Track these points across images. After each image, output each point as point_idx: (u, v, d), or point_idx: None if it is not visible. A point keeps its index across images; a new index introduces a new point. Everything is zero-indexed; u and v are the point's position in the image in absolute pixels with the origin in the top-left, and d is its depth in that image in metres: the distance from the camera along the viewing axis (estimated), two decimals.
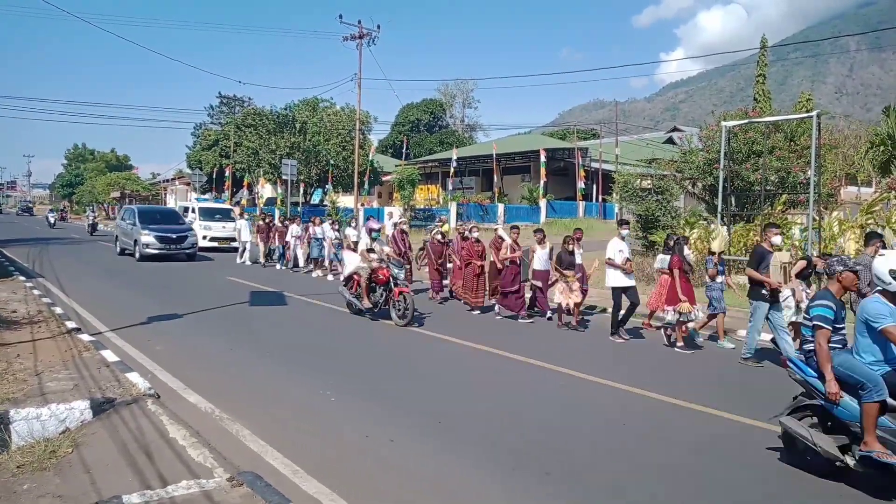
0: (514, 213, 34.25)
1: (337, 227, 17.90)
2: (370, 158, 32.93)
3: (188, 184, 55.04)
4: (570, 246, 10.45)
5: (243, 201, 41.45)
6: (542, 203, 35.49)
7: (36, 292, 12.24)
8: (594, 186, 39.92)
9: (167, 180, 68.12)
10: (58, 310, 10.43)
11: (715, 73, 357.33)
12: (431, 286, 13.35)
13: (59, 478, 4.21)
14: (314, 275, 17.34)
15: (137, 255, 19.55)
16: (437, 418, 5.81)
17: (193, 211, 25.34)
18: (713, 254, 9.85)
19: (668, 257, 9.59)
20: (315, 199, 40.70)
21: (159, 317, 10.24)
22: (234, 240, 22.03)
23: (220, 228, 24.14)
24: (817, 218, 13.05)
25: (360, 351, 8.67)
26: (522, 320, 10.87)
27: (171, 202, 60.73)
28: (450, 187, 36.79)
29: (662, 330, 9.39)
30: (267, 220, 21.61)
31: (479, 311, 11.59)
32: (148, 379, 6.53)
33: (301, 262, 18.64)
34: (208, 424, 5.44)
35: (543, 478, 4.55)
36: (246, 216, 21.84)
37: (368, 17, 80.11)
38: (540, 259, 11.00)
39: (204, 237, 23.55)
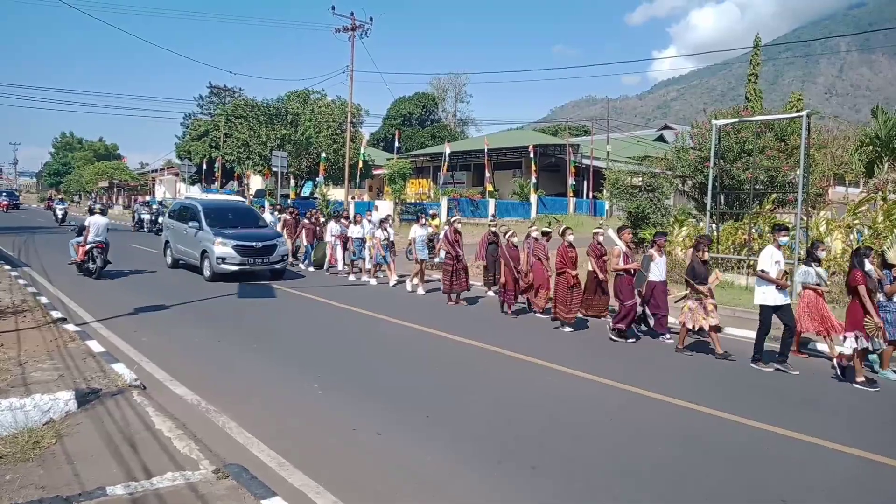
0: (504, 209, 34.29)
1: (387, 223, 14.94)
2: (362, 152, 32.77)
3: (177, 174, 54.63)
4: (705, 254, 8.70)
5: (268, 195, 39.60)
6: (533, 199, 35.57)
7: (21, 282, 12.12)
8: (585, 183, 40.04)
9: (156, 170, 67.61)
10: (43, 299, 10.35)
11: (706, 71, 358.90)
12: (505, 298, 11.23)
13: (42, 469, 4.18)
14: (371, 282, 14.69)
15: (208, 272, 13.95)
16: (424, 412, 5.81)
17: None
18: (891, 266, 8.03)
19: (810, 269, 8.26)
20: (305, 192, 40.51)
21: (146, 308, 10.18)
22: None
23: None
24: (805, 217, 13.15)
25: (349, 345, 8.65)
26: (631, 339, 9.26)
27: (160, 193, 60.29)
28: (441, 182, 36.75)
29: (835, 360, 7.70)
30: (294, 215, 19.51)
31: (571, 329, 9.77)
32: (134, 370, 6.49)
33: (340, 266, 16.47)
34: (194, 416, 5.42)
35: (529, 471, 4.57)
36: (276, 211, 18.90)
37: (361, 9, 79.66)
38: (659, 269, 9.41)
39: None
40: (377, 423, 5.42)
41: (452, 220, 13.20)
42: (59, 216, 35.40)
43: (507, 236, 11.52)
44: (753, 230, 14.34)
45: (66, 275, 13.84)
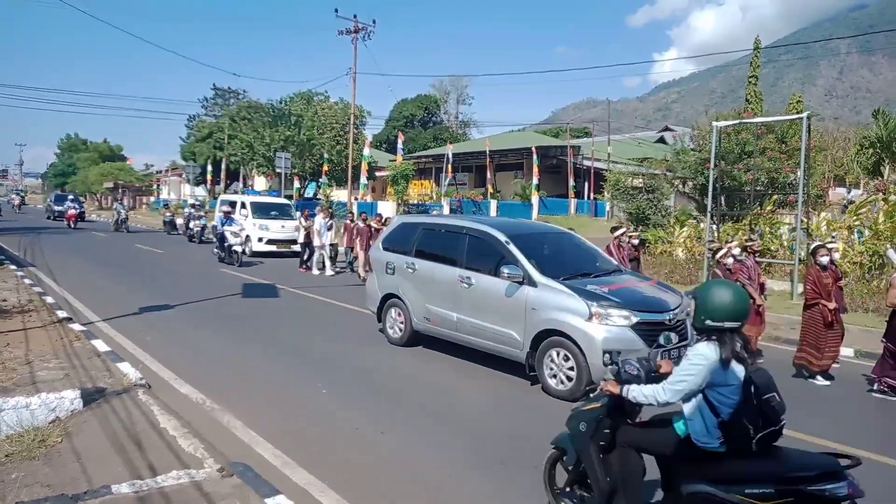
0: (506, 210, 34.31)
1: None
2: (365, 153, 32.81)
3: (181, 175, 54.73)
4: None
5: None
6: (535, 200, 35.59)
7: (27, 281, 12.17)
8: (586, 184, 40.05)
9: (160, 172, 67.70)
10: (49, 299, 10.39)
11: (706, 74, 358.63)
12: None
13: (48, 467, 4.21)
14: None
15: (568, 381, 6.78)
16: (428, 412, 5.85)
17: (244, 206, 20.58)
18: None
19: None
20: (309, 193, 40.60)
21: (151, 307, 10.23)
22: (294, 242, 18.62)
23: (278, 228, 19.79)
24: (805, 219, 13.18)
25: (353, 345, 8.68)
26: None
27: (165, 194, 60.40)
28: (445, 183, 36.80)
29: None
30: (365, 220, 16.04)
31: (823, 380, 7.47)
32: (139, 369, 6.53)
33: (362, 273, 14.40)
34: (199, 415, 5.46)
35: (531, 471, 4.61)
36: (325, 213, 16.71)
37: (364, 12, 79.76)
38: None
39: (259, 239, 19.46)
40: (381, 423, 5.46)
41: (620, 233, 10.05)
42: (122, 217, 29.13)
43: (718, 256, 8.47)
44: (754, 231, 14.37)
45: (72, 274, 13.90)
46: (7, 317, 8.69)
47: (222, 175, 44.27)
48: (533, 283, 6.72)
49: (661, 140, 47.33)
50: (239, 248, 16.80)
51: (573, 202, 37.68)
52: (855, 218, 14.84)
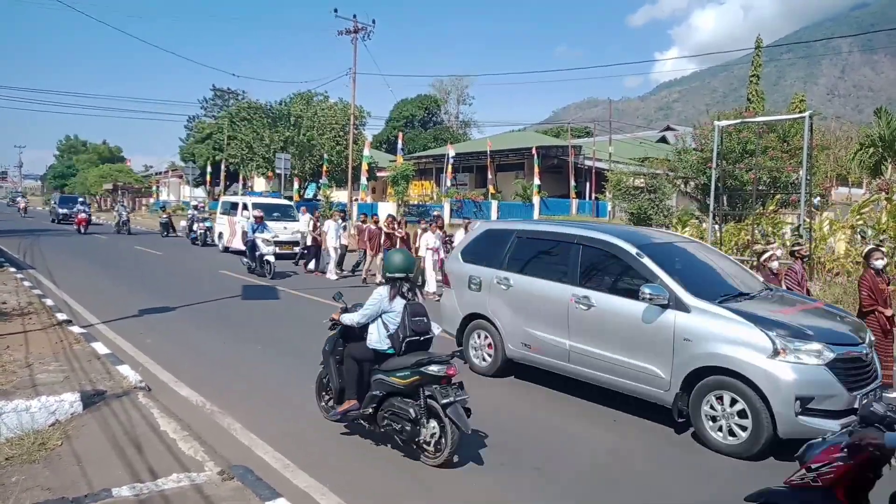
0: (507, 210, 34.29)
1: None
2: (365, 154, 32.83)
3: (181, 176, 54.76)
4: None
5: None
6: (536, 200, 35.55)
7: (27, 284, 12.16)
8: (587, 184, 40.02)
9: (160, 173, 67.74)
10: (49, 301, 10.38)
11: (708, 73, 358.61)
12: None
13: (48, 470, 4.20)
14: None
15: (763, 430, 5.08)
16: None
17: (246, 208, 20.11)
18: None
19: None
20: (308, 194, 40.61)
21: (151, 309, 10.21)
22: (297, 244, 18.37)
23: (281, 230, 18.96)
24: (808, 218, 13.14)
25: None
26: None
27: (164, 195, 60.41)
28: (445, 184, 36.78)
29: None
30: (377, 223, 15.46)
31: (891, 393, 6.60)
32: (139, 372, 6.52)
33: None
34: (199, 418, 5.44)
35: (532, 473, 4.58)
36: (337, 216, 16.29)
37: (364, 11, 79.68)
38: None
39: (263, 241, 18.29)
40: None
41: (766, 257, 8.05)
42: (123, 219, 29.31)
43: (762, 259, 8.01)
44: (756, 231, 14.33)
45: (71, 277, 13.89)
46: (7, 319, 8.68)
47: (221, 176, 44.28)
48: (683, 307, 5.38)
49: (663, 140, 47.25)
50: (273, 259, 14.99)
51: (574, 202, 37.64)
52: (858, 217, 14.80)
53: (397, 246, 13.58)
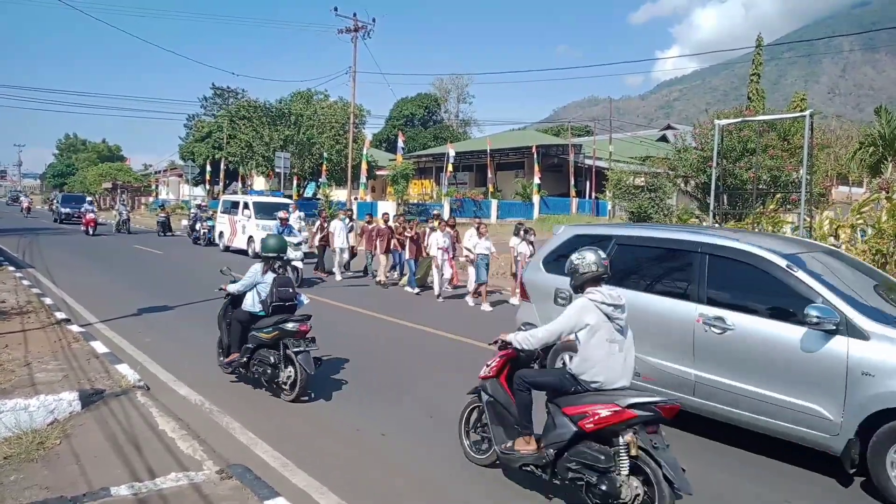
0: (507, 209, 34.29)
1: (531, 234, 12.35)
2: (365, 152, 32.84)
3: (180, 175, 54.74)
4: None
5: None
6: (536, 199, 35.55)
7: (26, 283, 12.16)
8: (587, 183, 40.01)
9: (159, 171, 67.72)
10: (48, 300, 10.37)
11: (709, 71, 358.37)
12: None
13: (46, 469, 4.19)
14: (485, 307, 11.77)
15: None
16: (428, 413, 5.81)
17: (247, 207, 19.75)
18: None
19: None
20: (308, 193, 40.58)
21: (150, 308, 10.20)
22: (298, 244, 16.58)
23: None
24: (808, 217, 13.13)
25: (352, 344, 8.65)
26: None
27: (164, 194, 60.41)
28: (445, 182, 36.78)
29: None
30: (387, 221, 15.23)
31: None
32: (137, 371, 6.51)
33: (404, 283, 13.95)
34: (198, 417, 5.44)
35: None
36: (344, 215, 15.72)
37: (363, 10, 79.69)
38: None
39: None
40: (381, 424, 5.42)
41: None
42: (124, 217, 29.17)
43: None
44: (756, 230, 14.32)
45: (70, 276, 13.88)
46: (6, 318, 8.68)
47: (221, 175, 44.24)
48: (859, 334, 4.34)
49: (663, 138, 47.21)
50: (300, 264, 13.98)
51: (574, 201, 37.65)
52: (858, 216, 14.78)
53: (406, 246, 13.72)
